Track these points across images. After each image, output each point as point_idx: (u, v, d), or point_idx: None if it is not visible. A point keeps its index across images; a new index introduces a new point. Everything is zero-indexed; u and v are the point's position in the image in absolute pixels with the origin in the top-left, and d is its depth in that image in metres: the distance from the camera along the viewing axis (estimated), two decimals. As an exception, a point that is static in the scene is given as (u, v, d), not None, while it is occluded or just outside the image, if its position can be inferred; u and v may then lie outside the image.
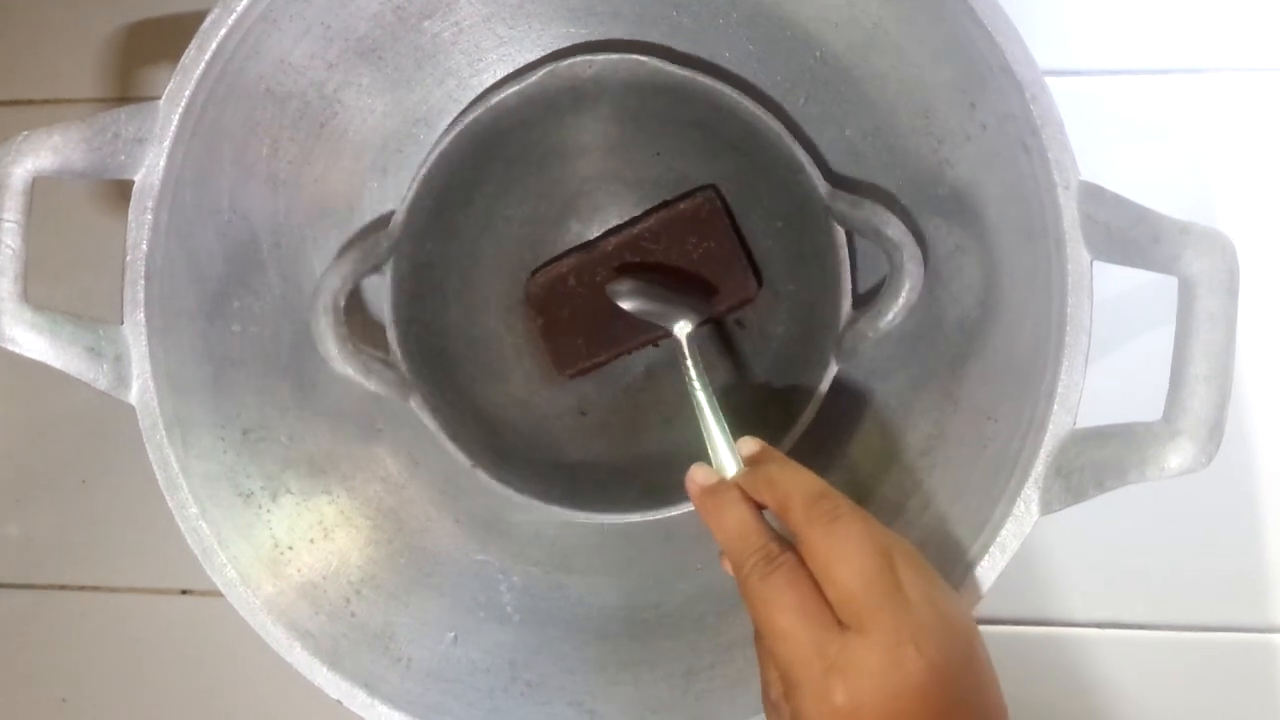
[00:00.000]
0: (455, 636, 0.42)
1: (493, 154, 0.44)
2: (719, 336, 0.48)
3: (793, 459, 0.35)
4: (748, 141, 0.43)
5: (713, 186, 0.47)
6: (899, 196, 0.41)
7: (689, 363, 0.40)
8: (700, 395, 0.38)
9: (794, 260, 0.46)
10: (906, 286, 0.38)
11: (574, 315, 0.47)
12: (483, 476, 0.42)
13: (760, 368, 0.47)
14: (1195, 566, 0.48)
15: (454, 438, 0.43)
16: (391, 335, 0.43)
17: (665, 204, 0.47)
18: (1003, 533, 0.34)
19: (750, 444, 0.37)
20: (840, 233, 0.41)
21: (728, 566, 0.34)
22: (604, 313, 0.47)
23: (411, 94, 0.44)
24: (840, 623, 0.30)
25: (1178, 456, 0.31)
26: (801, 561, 0.31)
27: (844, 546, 0.30)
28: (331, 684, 0.38)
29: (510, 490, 0.42)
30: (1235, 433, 0.47)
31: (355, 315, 0.44)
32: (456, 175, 0.43)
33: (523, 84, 0.42)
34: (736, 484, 0.35)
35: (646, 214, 0.47)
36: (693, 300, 0.44)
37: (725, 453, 0.36)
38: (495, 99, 0.42)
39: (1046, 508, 0.34)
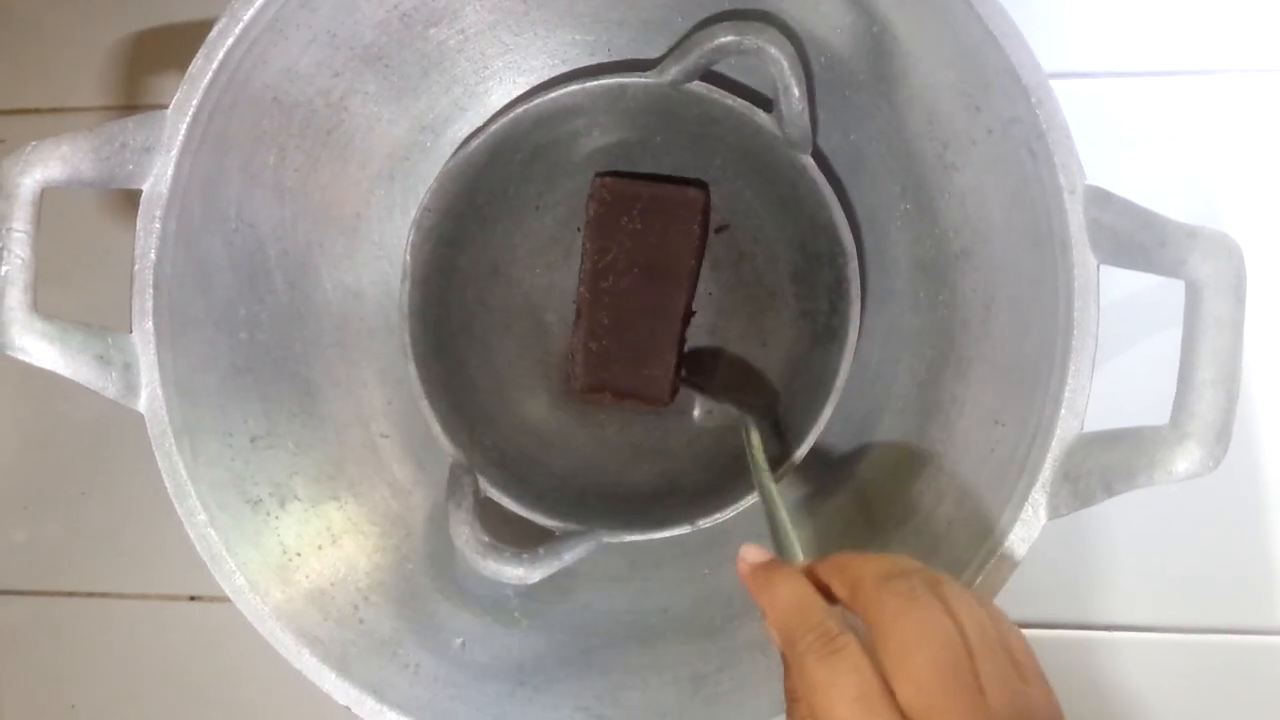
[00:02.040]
0: (463, 642, 0.42)
1: (440, 327, 0.45)
2: (727, 252, 0.49)
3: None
4: (582, 122, 0.43)
5: (595, 176, 0.47)
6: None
7: (750, 452, 0.40)
8: (768, 485, 0.38)
9: (698, 143, 0.46)
10: (776, 54, 0.38)
11: (622, 365, 0.47)
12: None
13: (771, 224, 0.47)
14: (1203, 569, 0.48)
15: (631, 525, 0.43)
16: (544, 521, 0.43)
17: (581, 228, 0.48)
18: (1010, 537, 0.34)
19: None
20: (699, 88, 0.42)
21: (777, 641, 0.31)
22: (637, 337, 0.47)
23: (418, 101, 0.44)
24: (904, 715, 0.27)
25: (1185, 460, 0.31)
26: (863, 647, 0.28)
27: (919, 632, 0.27)
28: (340, 690, 0.38)
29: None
30: (1242, 436, 0.47)
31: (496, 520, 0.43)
32: (442, 366, 0.45)
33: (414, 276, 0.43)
34: (801, 566, 0.32)
35: (582, 246, 0.47)
36: (758, 409, 0.45)
37: (787, 541, 0.35)
38: (404, 294, 0.43)
39: (1054, 512, 0.34)
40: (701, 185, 0.47)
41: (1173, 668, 0.48)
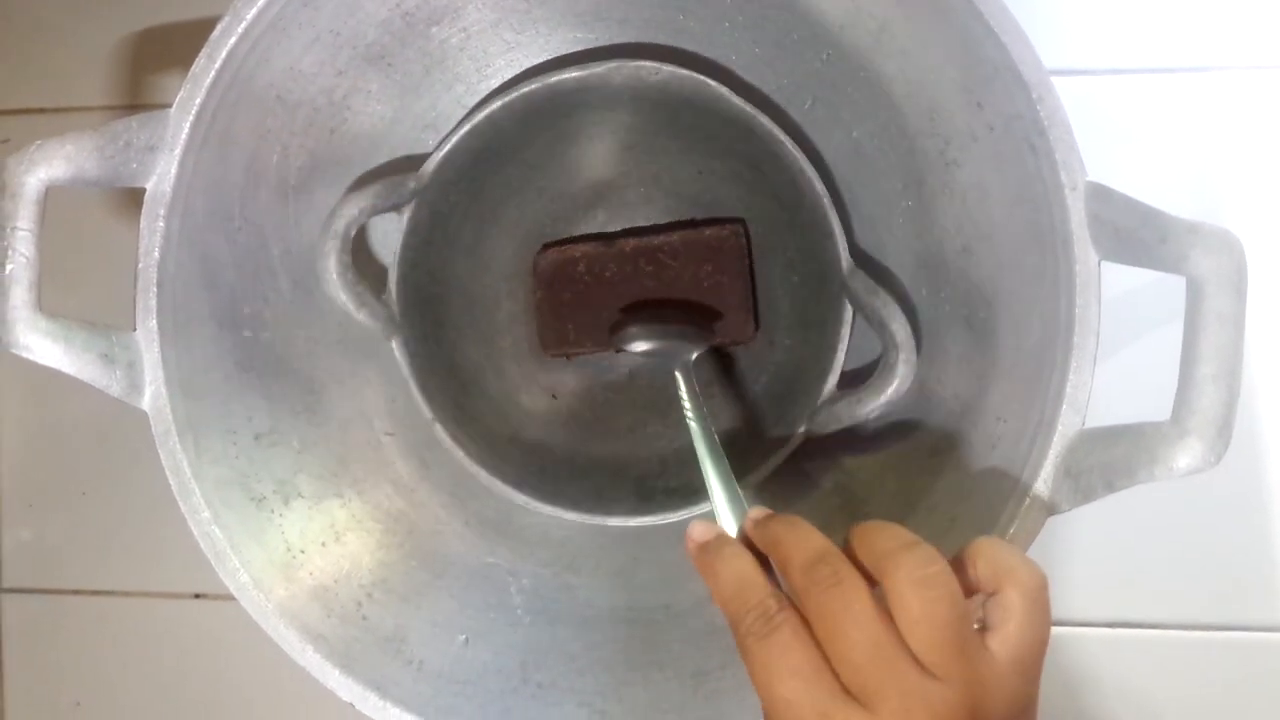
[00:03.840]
0: (466, 639, 0.42)
1: (543, 127, 0.45)
2: (708, 360, 0.49)
3: (801, 518, 0.32)
4: (790, 192, 0.43)
5: (741, 221, 0.47)
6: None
7: (684, 395, 0.39)
8: (700, 435, 0.37)
9: (798, 320, 0.46)
10: (893, 386, 0.39)
11: (573, 300, 0.47)
12: (440, 432, 0.43)
13: (730, 415, 0.47)
14: (1203, 565, 0.48)
15: (422, 388, 0.43)
16: (392, 276, 0.43)
17: (691, 223, 0.47)
18: (1011, 533, 0.34)
19: (758, 510, 0.33)
20: (848, 310, 0.42)
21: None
22: (601, 308, 0.47)
23: (420, 100, 0.44)
24: (847, 691, 0.27)
25: (1186, 456, 0.31)
26: (804, 621, 0.28)
27: (844, 614, 0.27)
28: (344, 687, 0.38)
29: (462, 454, 0.43)
30: (1243, 431, 0.47)
31: (358, 253, 0.45)
32: (502, 139, 0.44)
33: (587, 71, 0.42)
34: (742, 537, 0.33)
35: (671, 227, 0.47)
36: (695, 330, 0.45)
37: (725, 503, 0.35)
38: (555, 78, 0.42)
39: (1056, 508, 0.34)
40: (757, 328, 0.47)
41: (1174, 665, 0.48)
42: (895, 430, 0.42)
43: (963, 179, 0.38)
